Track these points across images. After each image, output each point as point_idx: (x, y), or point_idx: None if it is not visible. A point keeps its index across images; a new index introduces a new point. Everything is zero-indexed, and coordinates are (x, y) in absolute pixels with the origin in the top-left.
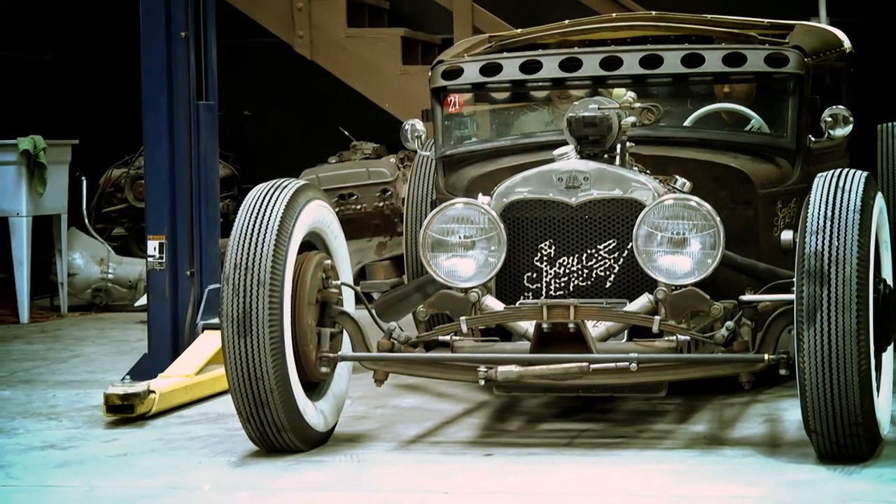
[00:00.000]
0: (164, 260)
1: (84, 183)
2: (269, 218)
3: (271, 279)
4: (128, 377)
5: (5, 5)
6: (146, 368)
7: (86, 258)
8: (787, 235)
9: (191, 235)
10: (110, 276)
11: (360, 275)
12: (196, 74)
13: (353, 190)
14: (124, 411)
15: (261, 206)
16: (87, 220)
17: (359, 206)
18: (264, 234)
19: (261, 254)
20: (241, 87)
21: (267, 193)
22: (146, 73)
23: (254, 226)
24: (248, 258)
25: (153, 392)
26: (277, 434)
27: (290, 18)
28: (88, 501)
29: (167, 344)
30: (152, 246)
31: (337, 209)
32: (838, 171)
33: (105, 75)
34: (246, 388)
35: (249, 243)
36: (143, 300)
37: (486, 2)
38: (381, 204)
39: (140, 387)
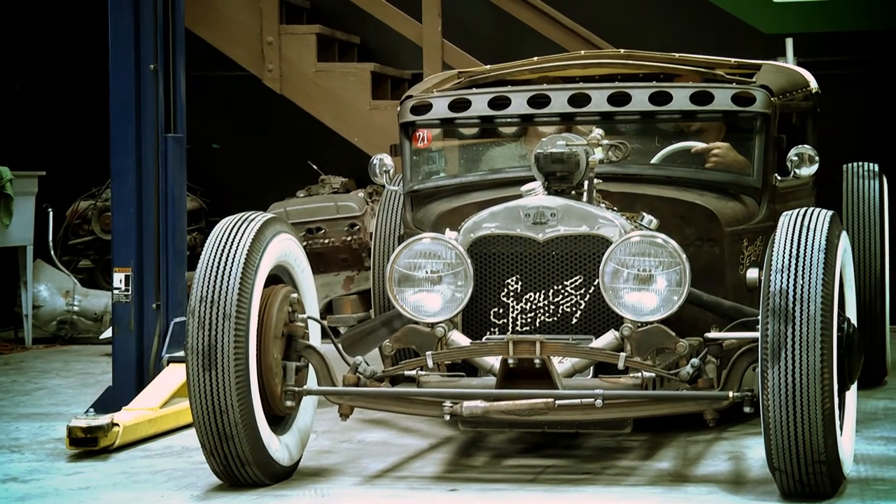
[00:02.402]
0: (130, 292)
1: (51, 214)
2: (236, 251)
3: (237, 313)
4: (91, 410)
5: None
6: (110, 401)
7: (51, 290)
8: (752, 273)
9: (157, 268)
10: (76, 308)
11: (328, 309)
12: (164, 106)
13: (321, 224)
14: (87, 444)
15: (227, 239)
16: (53, 252)
17: (327, 241)
18: (230, 268)
19: (227, 287)
20: (210, 120)
21: (234, 227)
22: (114, 105)
23: (220, 259)
24: (214, 291)
25: (117, 425)
26: (241, 468)
27: (259, 52)
28: None
29: (132, 377)
30: (118, 278)
31: (305, 243)
32: (803, 210)
33: (73, 106)
34: (210, 422)
35: (216, 276)
36: (108, 333)
37: (455, 38)
38: (349, 238)
39: (104, 420)
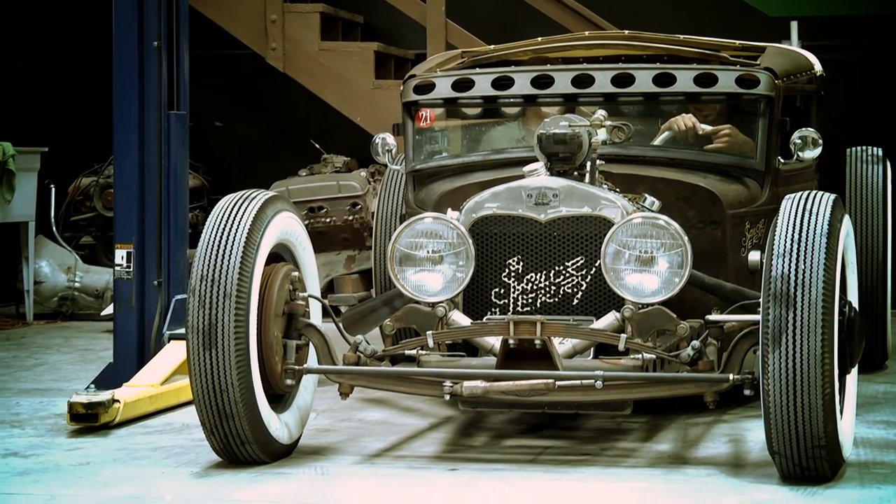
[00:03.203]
0: (131, 269)
1: (53, 191)
2: (237, 229)
3: (237, 291)
4: (92, 386)
5: None
6: (111, 378)
7: (53, 266)
8: (754, 256)
9: (159, 245)
10: (77, 284)
11: (329, 288)
12: (168, 84)
13: (322, 203)
14: (88, 420)
15: (229, 218)
16: (54, 229)
17: (328, 220)
18: (231, 246)
19: (228, 265)
20: (213, 98)
21: (235, 204)
22: (117, 82)
23: (221, 237)
24: (214, 270)
25: (117, 401)
26: (241, 446)
27: (263, 30)
28: None
29: (133, 353)
30: (120, 255)
31: (306, 222)
32: (806, 193)
33: (76, 83)
34: (210, 400)
35: (216, 255)
36: (109, 309)
37: (459, 18)
38: (350, 217)
39: (104, 396)
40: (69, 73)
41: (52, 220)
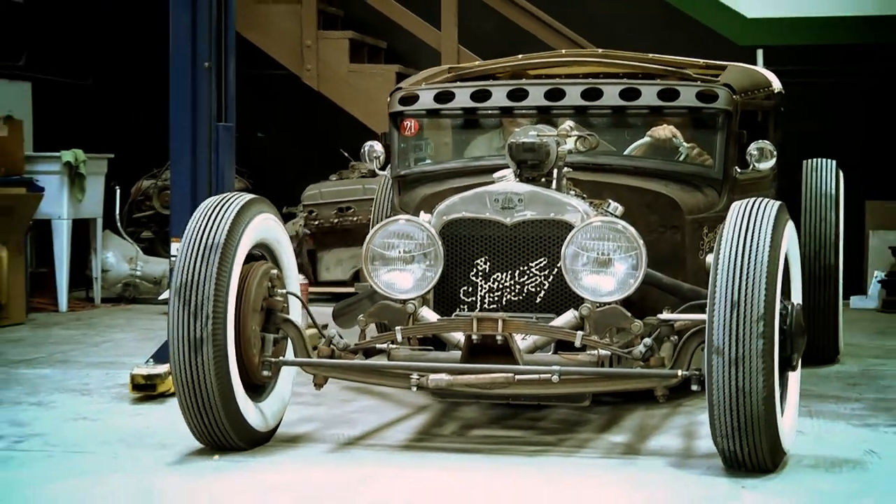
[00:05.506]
0: None
1: (118, 192)
2: (217, 228)
3: (216, 287)
4: (151, 360)
5: (55, 38)
6: (167, 353)
7: (117, 257)
8: (711, 259)
9: None
10: (138, 272)
11: (355, 277)
12: (217, 99)
13: (350, 204)
14: (147, 389)
15: (210, 216)
16: (119, 224)
17: (355, 218)
18: (211, 244)
19: (207, 263)
20: (256, 112)
21: (217, 205)
22: (173, 97)
23: (203, 235)
24: (194, 267)
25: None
26: (218, 432)
27: (299, 53)
28: (114, 466)
29: None
30: (175, 247)
31: (336, 220)
32: (753, 200)
33: (138, 98)
34: (189, 388)
35: (197, 252)
36: (165, 294)
37: (469, 44)
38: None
39: (161, 368)
40: (132, 89)
41: (117, 217)
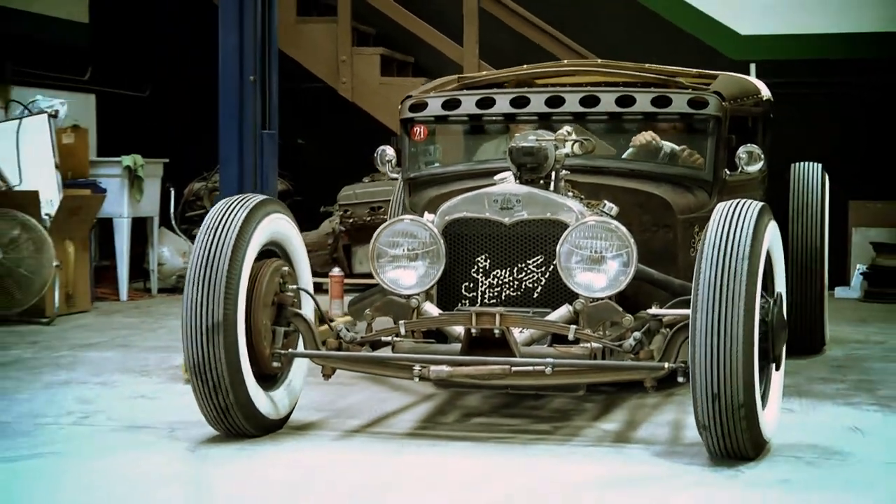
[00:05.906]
0: None
1: (172, 193)
2: (230, 226)
3: (227, 281)
4: None
5: (116, 54)
6: None
7: (172, 252)
8: None
9: None
10: None
11: None
12: (261, 109)
13: (381, 203)
14: None
15: (224, 216)
16: (173, 222)
17: (386, 217)
18: (224, 241)
19: (220, 257)
20: (297, 121)
21: (231, 205)
22: (222, 108)
23: (216, 232)
24: (208, 261)
25: None
26: (231, 419)
27: (335, 68)
28: (170, 438)
29: None
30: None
31: (369, 218)
32: (737, 201)
33: (190, 108)
34: (202, 375)
35: (211, 248)
36: None
37: (489, 58)
38: None
39: None
40: (186, 100)
41: (172, 215)
